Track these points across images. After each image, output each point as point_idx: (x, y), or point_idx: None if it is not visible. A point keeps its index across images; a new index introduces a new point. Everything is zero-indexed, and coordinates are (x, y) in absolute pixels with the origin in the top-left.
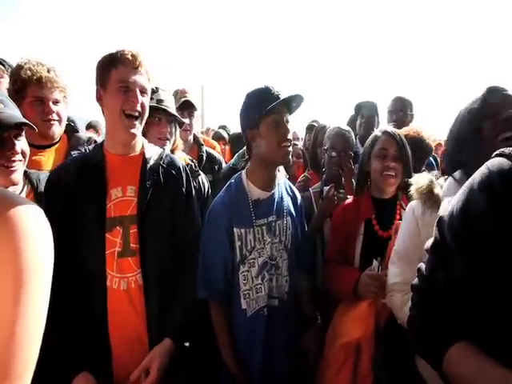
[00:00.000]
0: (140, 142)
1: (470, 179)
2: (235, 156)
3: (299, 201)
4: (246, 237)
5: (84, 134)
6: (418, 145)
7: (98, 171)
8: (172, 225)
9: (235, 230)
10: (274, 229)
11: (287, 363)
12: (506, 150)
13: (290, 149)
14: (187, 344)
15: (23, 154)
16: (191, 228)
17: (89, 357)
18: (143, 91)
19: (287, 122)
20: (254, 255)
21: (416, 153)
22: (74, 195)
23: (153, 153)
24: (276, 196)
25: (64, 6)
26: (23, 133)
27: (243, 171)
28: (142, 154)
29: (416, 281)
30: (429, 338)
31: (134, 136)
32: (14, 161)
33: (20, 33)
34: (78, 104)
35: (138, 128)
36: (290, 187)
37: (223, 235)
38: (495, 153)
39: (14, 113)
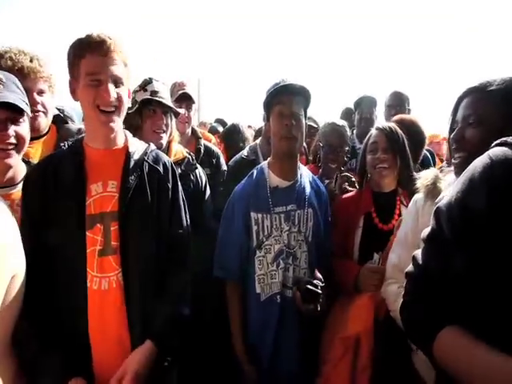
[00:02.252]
0: (122, 135)
1: (471, 168)
2: (247, 147)
3: (324, 196)
4: (262, 222)
5: (74, 124)
6: (411, 130)
7: (76, 165)
8: (157, 223)
9: (252, 214)
10: (294, 218)
11: (299, 355)
12: (510, 139)
13: (294, 142)
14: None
15: (20, 138)
16: (178, 227)
17: (69, 359)
18: (118, 81)
19: (295, 114)
20: (271, 242)
21: (411, 138)
22: (53, 191)
23: (137, 147)
24: (297, 186)
25: (59, 1)
26: (24, 118)
27: (266, 161)
28: (126, 147)
29: (410, 268)
30: (420, 322)
31: (112, 130)
32: (6, 143)
33: (13, 26)
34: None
35: (117, 121)
36: (314, 180)
37: (240, 220)
38: (497, 142)
39: (9, 95)
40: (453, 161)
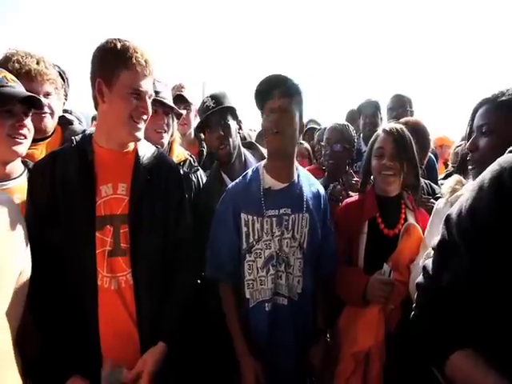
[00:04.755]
0: None
1: (481, 176)
2: None
3: (323, 199)
4: (253, 224)
5: (79, 126)
6: (416, 133)
7: (86, 165)
8: (164, 226)
9: (243, 215)
10: (287, 223)
11: (293, 366)
12: None
13: (279, 137)
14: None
15: (28, 130)
16: (183, 228)
17: (78, 357)
18: (150, 97)
19: (282, 109)
20: (261, 246)
21: (416, 141)
22: (62, 188)
23: (146, 150)
24: (293, 188)
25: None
26: (30, 113)
27: (263, 161)
28: (135, 150)
29: (421, 279)
30: (431, 342)
31: (138, 139)
32: (20, 133)
33: (19, 31)
34: (80, 99)
35: (142, 131)
36: (313, 183)
37: (230, 220)
38: (510, 149)
39: (23, 90)
40: (469, 169)
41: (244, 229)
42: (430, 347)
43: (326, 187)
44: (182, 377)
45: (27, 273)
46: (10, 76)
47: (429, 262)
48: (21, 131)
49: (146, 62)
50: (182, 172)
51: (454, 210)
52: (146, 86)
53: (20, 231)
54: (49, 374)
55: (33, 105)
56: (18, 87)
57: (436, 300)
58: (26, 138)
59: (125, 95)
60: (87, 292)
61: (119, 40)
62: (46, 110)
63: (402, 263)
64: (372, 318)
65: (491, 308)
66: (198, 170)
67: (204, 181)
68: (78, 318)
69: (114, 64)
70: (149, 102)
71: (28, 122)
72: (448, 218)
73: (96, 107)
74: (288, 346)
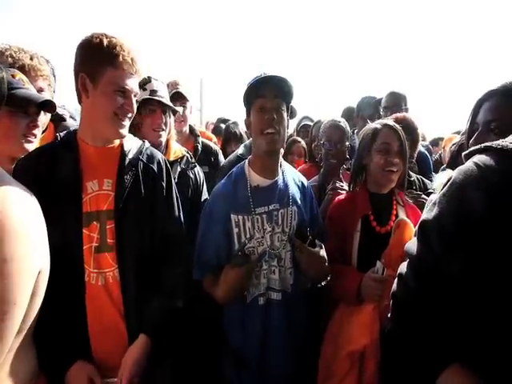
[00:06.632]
0: None
1: (457, 179)
2: (242, 146)
3: (308, 190)
4: (244, 224)
5: (71, 121)
6: (405, 128)
7: (72, 162)
8: (152, 221)
9: (232, 216)
10: (277, 218)
11: (287, 358)
12: (494, 144)
13: (277, 137)
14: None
15: (38, 130)
16: (172, 224)
17: (69, 352)
18: (135, 95)
19: (277, 109)
20: (253, 244)
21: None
22: (47, 185)
23: (132, 145)
24: (279, 184)
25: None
26: (41, 114)
27: (247, 159)
28: (121, 146)
29: (396, 288)
30: (419, 360)
31: (122, 136)
32: (33, 133)
33: (13, 26)
34: (74, 95)
35: (126, 127)
36: (298, 176)
37: (218, 222)
38: (477, 147)
39: (36, 92)
40: None
41: (235, 230)
42: (418, 367)
43: (322, 185)
44: (177, 372)
45: (46, 272)
46: (24, 78)
47: (403, 269)
48: (33, 131)
49: (132, 60)
50: (179, 169)
51: (428, 217)
52: (132, 84)
53: (39, 228)
54: (50, 368)
55: (43, 106)
56: (31, 89)
57: (417, 312)
58: (36, 137)
59: (110, 92)
60: (75, 288)
61: (105, 36)
62: None
63: (394, 259)
64: (366, 317)
65: (486, 316)
66: (195, 166)
67: (201, 176)
68: (66, 315)
69: (99, 60)
70: (134, 100)
71: (39, 121)
72: (424, 224)
73: (79, 101)
74: (281, 344)
